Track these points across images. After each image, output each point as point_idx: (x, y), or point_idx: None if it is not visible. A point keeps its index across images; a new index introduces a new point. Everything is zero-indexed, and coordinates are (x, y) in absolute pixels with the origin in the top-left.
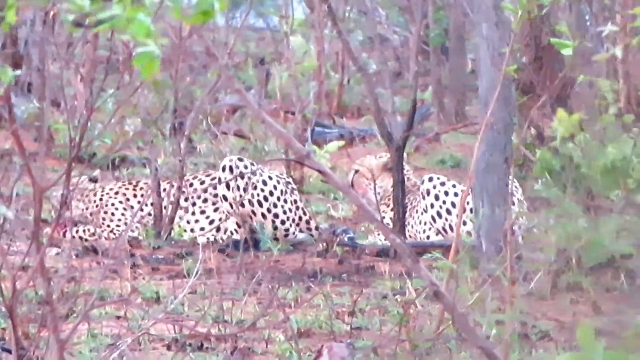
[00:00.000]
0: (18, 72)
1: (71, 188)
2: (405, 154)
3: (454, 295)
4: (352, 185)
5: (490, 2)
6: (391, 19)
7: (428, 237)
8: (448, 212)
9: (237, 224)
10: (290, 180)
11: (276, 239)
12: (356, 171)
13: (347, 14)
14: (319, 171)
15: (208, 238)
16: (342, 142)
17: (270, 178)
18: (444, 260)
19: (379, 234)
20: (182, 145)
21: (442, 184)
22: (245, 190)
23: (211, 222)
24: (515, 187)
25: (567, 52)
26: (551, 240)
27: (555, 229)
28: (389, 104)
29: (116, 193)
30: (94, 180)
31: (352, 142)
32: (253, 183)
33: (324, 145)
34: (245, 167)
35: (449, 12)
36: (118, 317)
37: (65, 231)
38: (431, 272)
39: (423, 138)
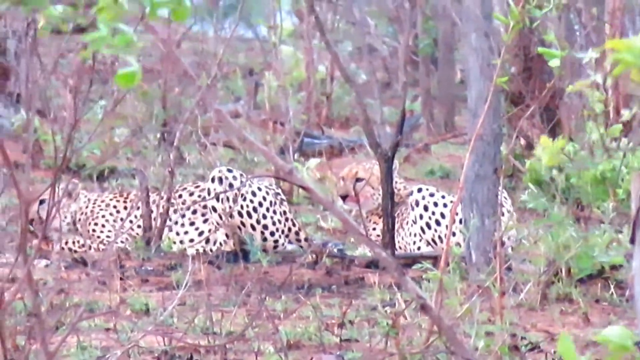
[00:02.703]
0: None
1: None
2: (395, 165)
3: (443, 307)
4: (356, 194)
5: (480, 12)
6: (380, 29)
7: (419, 248)
8: (437, 223)
9: (226, 235)
10: (279, 191)
11: (265, 250)
12: (359, 179)
13: (336, 24)
14: (302, 187)
15: (197, 249)
16: (322, 159)
17: (260, 189)
18: (433, 272)
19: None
20: (171, 156)
21: (432, 194)
22: (234, 201)
23: (200, 233)
24: (505, 197)
25: (554, 62)
26: (541, 251)
27: (544, 239)
28: (378, 114)
29: (107, 205)
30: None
31: (341, 152)
32: (242, 194)
33: (312, 156)
34: (234, 178)
35: (437, 22)
36: (107, 329)
37: (53, 243)
38: (421, 283)
39: (412, 148)
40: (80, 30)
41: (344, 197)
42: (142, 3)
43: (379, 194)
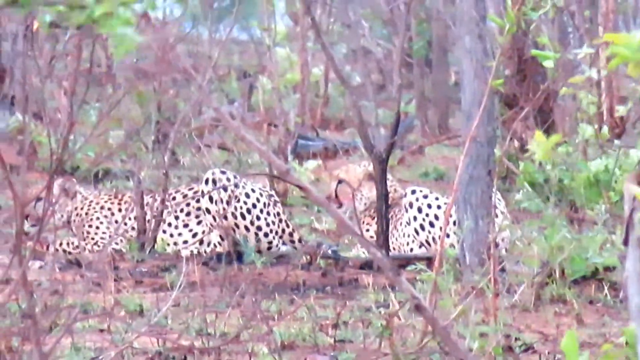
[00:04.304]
0: None
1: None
2: (388, 167)
3: (437, 308)
4: (337, 195)
5: (473, 14)
6: (374, 31)
7: (412, 250)
8: (431, 224)
9: (220, 236)
10: (272, 192)
11: (260, 252)
12: (340, 181)
13: (330, 27)
14: (299, 187)
15: (192, 251)
16: (320, 162)
17: (253, 190)
18: (427, 273)
19: (362, 247)
20: (165, 158)
21: (425, 196)
22: (228, 202)
23: (194, 235)
24: (498, 199)
25: (548, 64)
26: (534, 252)
27: (538, 241)
28: (373, 116)
29: (101, 207)
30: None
31: (335, 154)
32: (236, 196)
33: (306, 158)
34: (228, 179)
35: (431, 24)
36: (101, 330)
37: (48, 245)
38: (415, 284)
39: (406, 150)
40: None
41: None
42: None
43: (362, 195)
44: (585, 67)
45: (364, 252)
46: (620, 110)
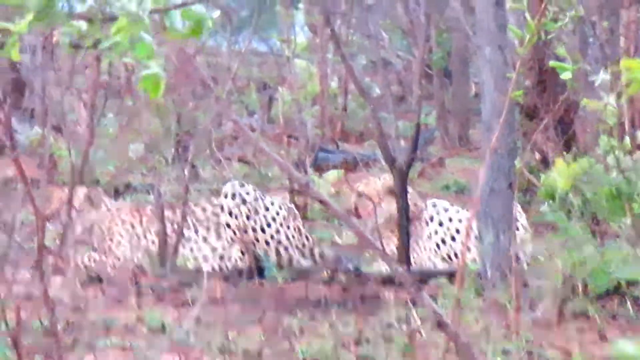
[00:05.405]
0: None
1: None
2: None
3: (459, 323)
4: (357, 209)
5: (494, 25)
6: (394, 42)
7: (434, 264)
8: (453, 238)
9: (241, 251)
10: (292, 206)
11: (281, 266)
12: (360, 194)
13: (350, 38)
14: (319, 200)
15: (212, 266)
16: (341, 172)
17: (273, 204)
18: (449, 288)
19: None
20: (185, 172)
21: (446, 209)
22: (248, 217)
23: (213, 250)
24: (519, 212)
25: (566, 75)
26: (557, 266)
27: (561, 255)
28: (393, 128)
29: (122, 221)
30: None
31: (355, 167)
32: (255, 209)
33: (326, 170)
34: (247, 193)
35: (451, 35)
36: (123, 348)
37: (68, 260)
38: (437, 299)
39: (427, 163)
40: (95, 46)
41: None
42: (163, 20)
43: (382, 208)
44: (603, 94)
45: (385, 267)
46: (639, 136)
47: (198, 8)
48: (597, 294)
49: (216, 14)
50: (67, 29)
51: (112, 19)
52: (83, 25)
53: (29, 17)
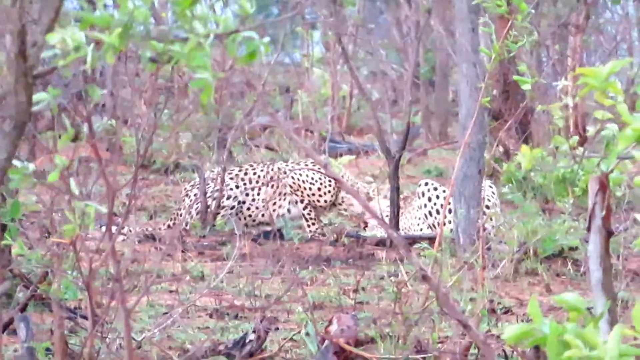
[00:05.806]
0: (103, 91)
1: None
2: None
3: (438, 277)
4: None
5: (469, 47)
6: (390, 57)
7: (421, 230)
8: (437, 212)
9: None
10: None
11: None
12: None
13: (355, 53)
14: (334, 178)
15: (243, 230)
16: (353, 157)
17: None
18: (429, 250)
19: (379, 228)
20: (223, 156)
21: (435, 188)
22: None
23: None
24: (492, 192)
25: (526, 87)
26: (514, 235)
27: (517, 226)
28: (388, 125)
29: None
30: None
31: (358, 155)
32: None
33: (334, 157)
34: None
35: (436, 53)
36: (171, 292)
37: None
38: (419, 259)
39: (414, 153)
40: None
41: None
42: (227, 50)
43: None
44: (563, 96)
45: (379, 233)
46: (590, 131)
47: (251, 34)
48: (545, 257)
49: (266, 39)
50: (146, 47)
51: (184, 39)
52: (159, 44)
53: (117, 30)
